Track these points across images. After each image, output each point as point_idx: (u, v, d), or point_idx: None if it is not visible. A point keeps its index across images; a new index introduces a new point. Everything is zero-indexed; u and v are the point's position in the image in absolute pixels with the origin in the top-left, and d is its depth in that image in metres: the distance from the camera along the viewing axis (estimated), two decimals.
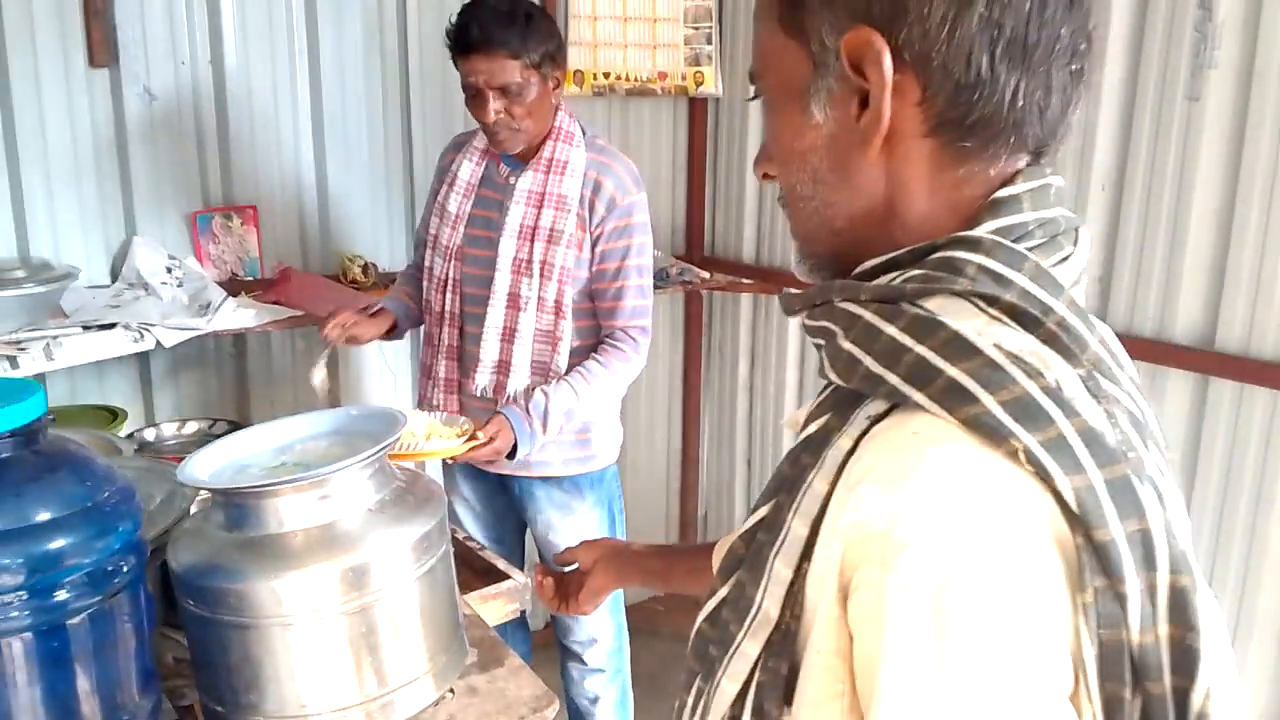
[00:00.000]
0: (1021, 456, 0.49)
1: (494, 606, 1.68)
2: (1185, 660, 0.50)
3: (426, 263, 2.03)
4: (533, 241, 1.87)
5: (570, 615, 1.19)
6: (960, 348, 0.52)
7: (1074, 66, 0.58)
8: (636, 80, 2.79)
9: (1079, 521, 0.49)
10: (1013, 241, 0.56)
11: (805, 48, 0.59)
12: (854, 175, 0.60)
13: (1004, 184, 0.58)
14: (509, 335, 1.92)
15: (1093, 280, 2.06)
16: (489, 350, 1.93)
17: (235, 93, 2.28)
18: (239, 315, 2.11)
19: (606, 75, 2.75)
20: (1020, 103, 0.56)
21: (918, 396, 0.52)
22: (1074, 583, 0.49)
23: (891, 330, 0.54)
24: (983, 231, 0.57)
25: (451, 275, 1.97)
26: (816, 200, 0.62)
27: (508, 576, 1.82)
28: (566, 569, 1.27)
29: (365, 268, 2.45)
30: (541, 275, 1.87)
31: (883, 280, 0.59)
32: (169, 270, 2.19)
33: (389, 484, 1.17)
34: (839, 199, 0.61)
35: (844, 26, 0.56)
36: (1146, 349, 1.94)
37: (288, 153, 2.37)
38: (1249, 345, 1.83)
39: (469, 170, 1.97)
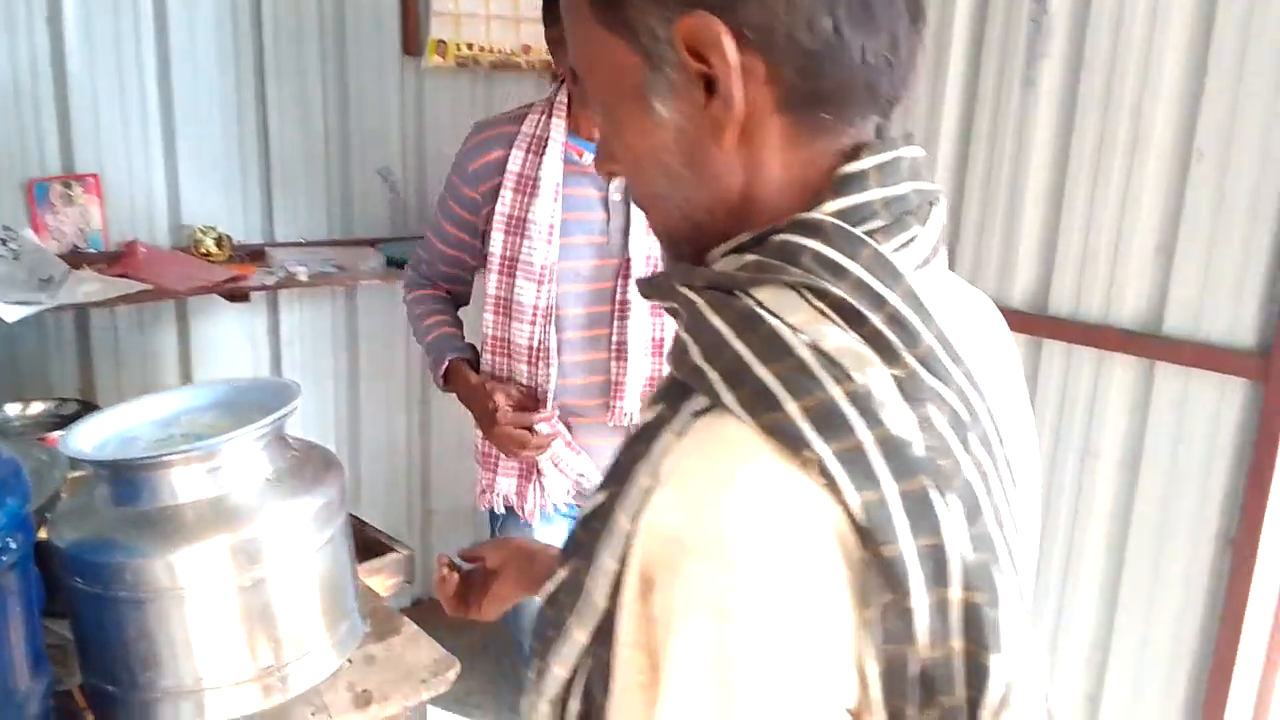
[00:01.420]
0: (815, 468, 0.47)
1: (379, 580, 1.67)
2: (976, 676, 0.49)
3: (499, 292, 1.65)
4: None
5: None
6: (775, 348, 0.50)
7: (912, 21, 0.55)
8: (500, 53, 2.77)
9: (867, 536, 0.47)
10: (855, 223, 0.54)
11: (632, 42, 0.55)
12: (709, 166, 0.56)
13: (852, 157, 0.56)
14: (659, 348, 1.63)
15: (1033, 264, 2.15)
16: (638, 370, 1.62)
17: (75, 55, 2.13)
18: (85, 289, 1.98)
19: (470, 47, 2.72)
20: (870, 60, 0.54)
21: (728, 398, 0.50)
22: (859, 598, 0.48)
23: (716, 322, 0.52)
24: (823, 213, 0.54)
25: (547, 300, 1.61)
26: (675, 198, 0.59)
27: (392, 549, 1.81)
28: (471, 565, 1.14)
29: (219, 240, 2.34)
30: None
31: (723, 265, 0.57)
32: (3, 242, 2.03)
33: (284, 455, 1.15)
34: (697, 194, 0.58)
35: (675, 15, 0.52)
36: (1093, 335, 2.02)
37: (133, 118, 2.23)
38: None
39: (551, 165, 1.59)
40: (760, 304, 0.52)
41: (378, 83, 2.61)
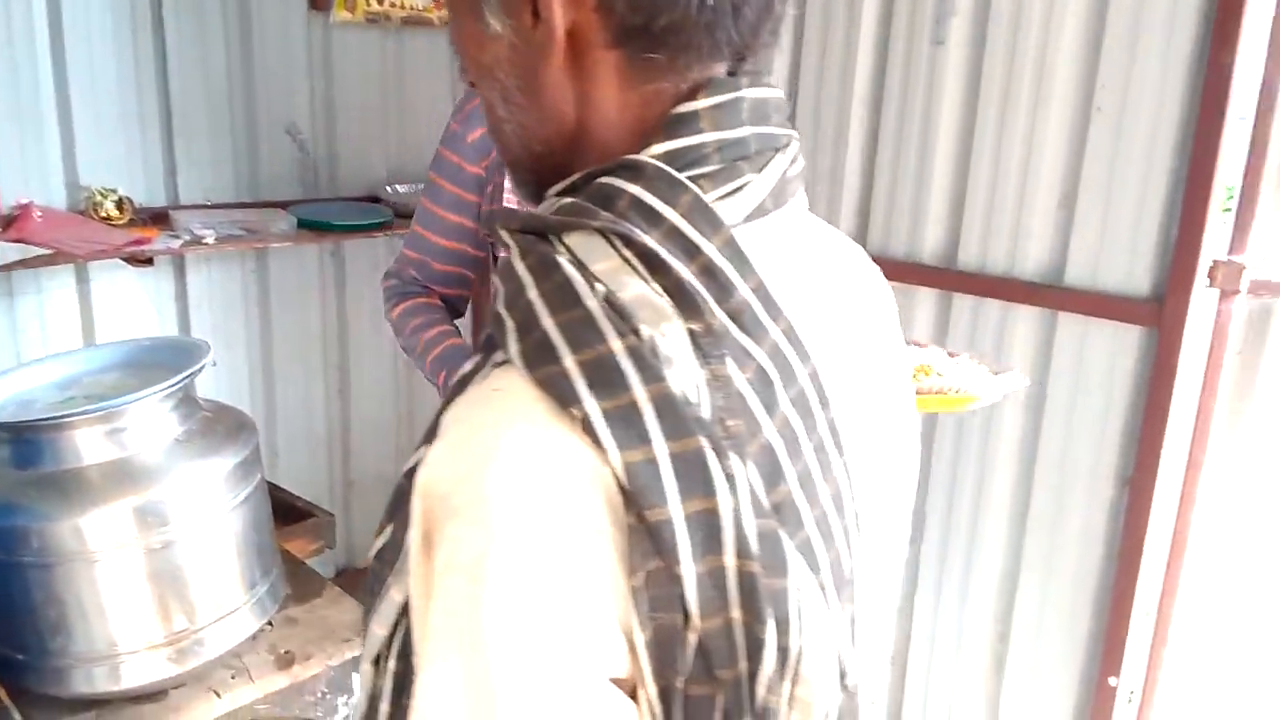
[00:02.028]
0: (580, 426, 0.45)
1: (300, 545, 1.65)
2: (752, 648, 0.47)
3: None
4: None
5: None
6: (565, 297, 0.48)
7: None
8: (412, 9, 2.70)
9: (631, 499, 0.45)
10: (681, 168, 0.52)
11: None
12: (541, 93, 0.55)
13: (688, 99, 0.54)
14: None
15: (852, 211, 2.25)
16: None
17: None
18: None
19: (380, 1, 2.65)
20: (710, 2, 0.51)
21: (513, 349, 0.48)
22: (627, 564, 0.46)
23: (520, 268, 0.50)
24: (649, 155, 0.52)
25: None
26: (512, 122, 0.58)
27: (312, 515, 1.79)
28: None
29: (120, 203, 2.25)
30: None
31: (546, 207, 0.54)
32: None
33: (194, 415, 1.13)
34: (531, 121, 0.57)
35: None
36: (899, 270, 2.15)
37: (23, 72, 2.12)
38: (984, 263, 2.07)
39: None
40: (567, 250, 0.50)
41: (283, 38, 2.52)
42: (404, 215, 2.59)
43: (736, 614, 0.46)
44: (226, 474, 1.11)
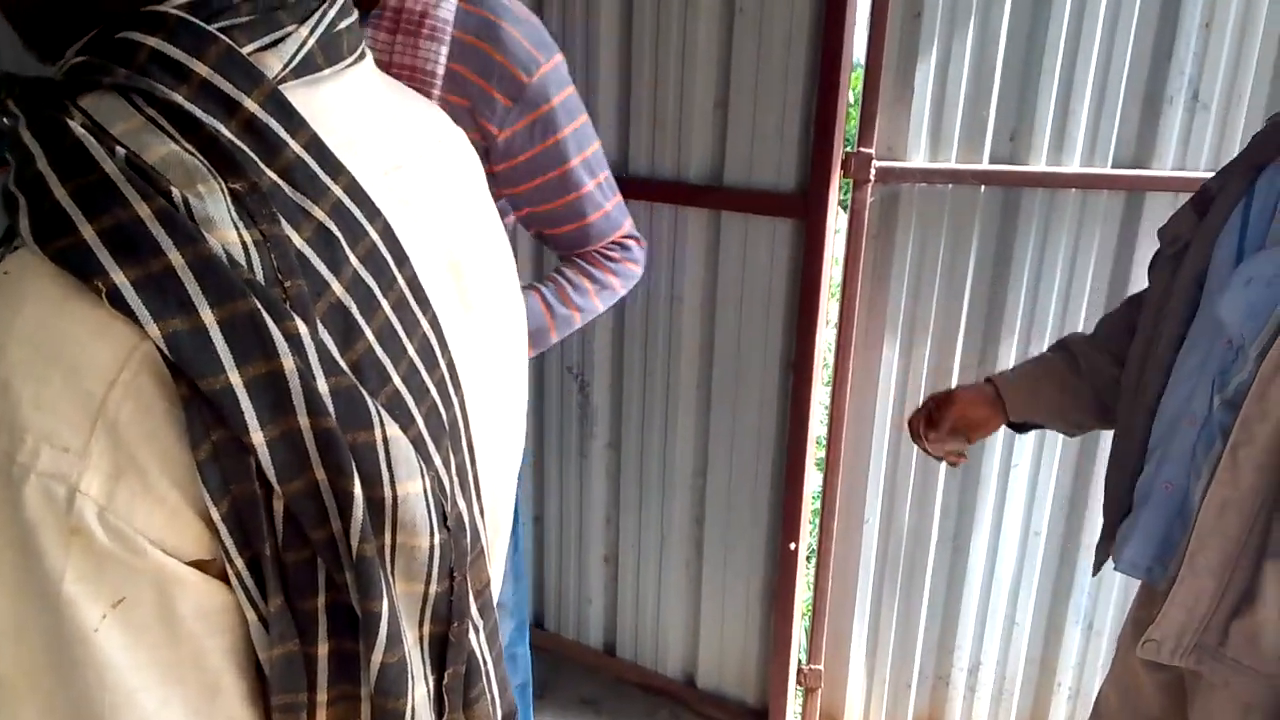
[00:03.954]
0: (106, 299, 0.42)
1: None
2: (342, 504, 0.46)
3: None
4: None
5: None
6: (78, 162, 0.44)
7: None
8: None
9: (179, 370, 0.43)
10: (207, 18, 0.48)
11: None
12: None
13: None
14: None
15: (612, 129, 2.16)
16: None
17: None
18: None
19: None
20: None
21: (23, 225, 0.44)
22: (189, 439, 0.43)
23: (27, 138, 0.46)
24: (171, 6, 0.48)
25: None
26: None
27: None
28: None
29: None
30: None
31: (57, 69, 0.49)
32: None
33: None
34: None
35: None
36: (668, 191, 2.11)
37: None
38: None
39: None
40: (82, 113, 0.45)
41: None
42: None
43: (320, 474, 0.46)
44: None
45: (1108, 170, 1.88)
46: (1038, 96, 1.87)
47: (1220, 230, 1.21)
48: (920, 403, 1.59)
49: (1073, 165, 1.89)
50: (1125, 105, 1.86)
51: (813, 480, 2.22)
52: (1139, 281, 1.94)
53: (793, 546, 2.17)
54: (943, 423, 1.51)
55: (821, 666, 2.31)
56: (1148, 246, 1.91)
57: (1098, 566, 1.40)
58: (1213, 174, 1.83)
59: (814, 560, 2.28)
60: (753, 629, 2.32)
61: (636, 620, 2.49)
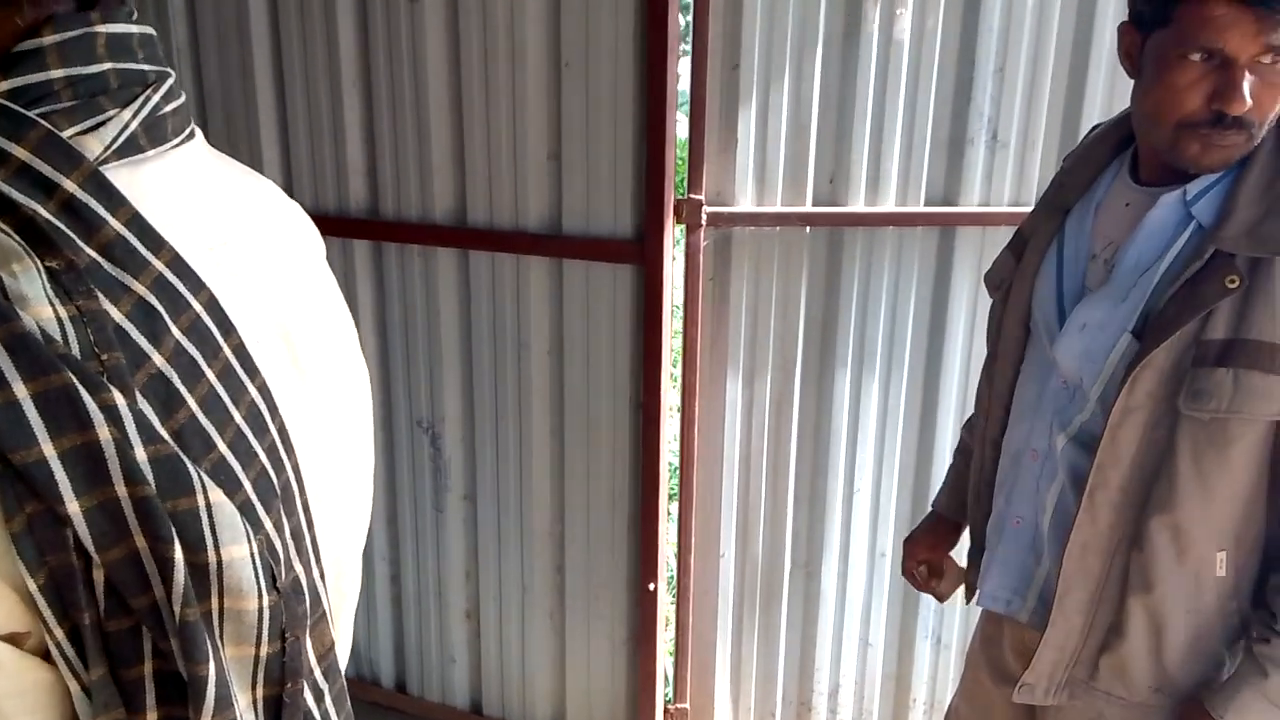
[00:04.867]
0: None
1: None
2: (163, 571, 0.48)
3: None
4: None
5: None
6: None
7: None
8: None
9: None
10: (28, 104, 0.50)
11: None
12: None
13: (31, 35, 0.52)
14: None
15: (361, 174, 2.20)
16: None
17: None
18: None
19: None
20: None
21: None
22: (1, 512, 0.45)
23: None
24: None
25: None
26: None
27: None
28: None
29: None
30: None
31: None
32: None
33: None
34: None
35: None
36: (415, 233, 2.15)
37: None
38: (492, 219, 2.13)
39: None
40: None
41: None
42: None
43: (140, 541, 0.47)
44: None
45: (921, 208, 2.00)
46: (852, 141, 1.97)
47: (1038, 271, 1.29)
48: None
49: (889, 204, 2.01)
50: (932, 147, 1.98)
51: (668, 519, 2.24)
52: (956, 309, 2.07)
53: (651, 587, 2.19)
54: (945, 573, 1.56)
55: (687, 704, 2.33)
56: (961, 276, 2.04)
57: (969, 597, 1.45)
58: (1015, 207, 1.97)
59: (674, 599, 2.30)
60: (619, 672, 2.32)
61: (502, 675, 2.45)
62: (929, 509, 1.63)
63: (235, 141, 2.26)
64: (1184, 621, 1.16)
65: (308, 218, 0.74)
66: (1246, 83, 1.02)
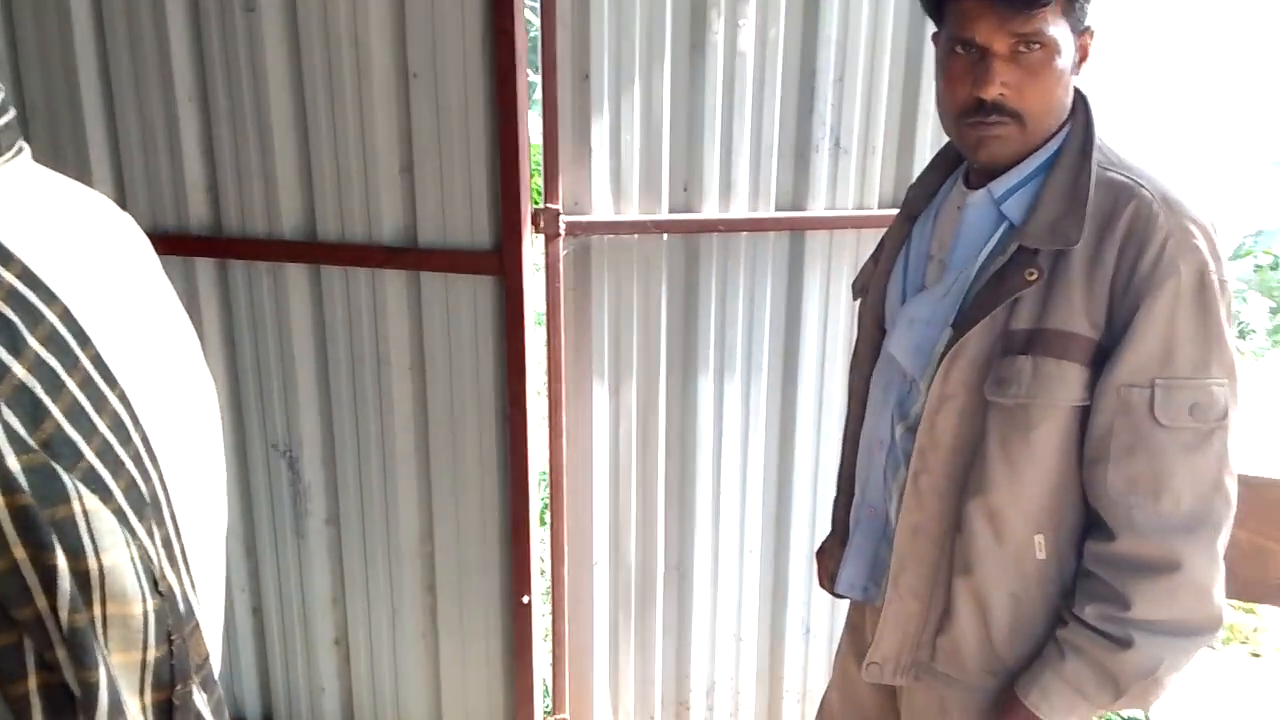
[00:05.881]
0: None
1: None
2: (46, 580, 0.48)
3: None
4: None
5: None
6: None
7: None
8: None
9: None
10: None
11: None
12: None
13: None
14: None
15: (201, 190, 2.10)
16: None
17: None
18: None
19: None
20: None
21: None
22: None
23: None
24: None
25: None
26: None
27: None
28: None
29: None
30: None
31: None
32: None
33: None
34: None
35: None
36: (261, 249, 2.07)
37: None
38: (344, 233, 2.08)
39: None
40: None
41: None
42: None
43: (20, 551, 0.47)
44: None
45: (771, 214, 2.06)
46: (704, 149, 2.02)
47: (889, 275, 1.36)
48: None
49: (741, 211, 2.06)
50: (780, 154, 2.05)
51: (539, 530, 2.23)
52: (809, 309, 2.13)
53: (525, 600, 2.17)
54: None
55: (567, 714, 2.32)
56: (812, 279, 2.11)
57: (830, 587, 1.48)
58: (860, 211, 2.05)
59: (547, 613, 2.29)
60: (496, 689, 2.29)
61: (375, 702, 2.38)
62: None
63: (62, 158, 2.12)
64: (1007, 604, 1.21)
65: (139, 228, 0.73)
66: (997, 68, 1.11)
